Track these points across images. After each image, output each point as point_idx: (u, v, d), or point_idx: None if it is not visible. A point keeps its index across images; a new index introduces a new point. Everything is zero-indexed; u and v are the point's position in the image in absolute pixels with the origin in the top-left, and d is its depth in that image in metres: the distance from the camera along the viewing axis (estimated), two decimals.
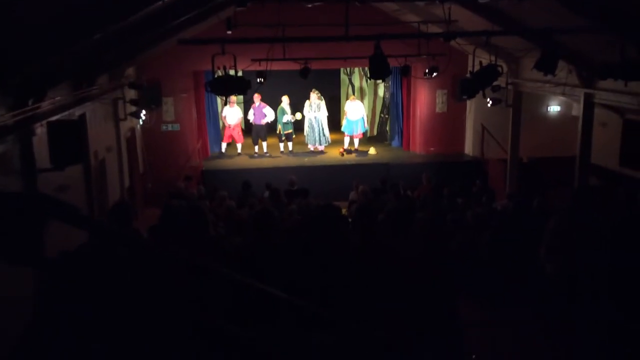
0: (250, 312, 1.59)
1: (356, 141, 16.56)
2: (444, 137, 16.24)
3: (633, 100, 9.71)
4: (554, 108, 15.37)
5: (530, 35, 10.42)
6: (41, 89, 6.83)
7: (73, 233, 1.49)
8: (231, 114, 15.71)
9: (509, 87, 13.26)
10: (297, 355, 1.52)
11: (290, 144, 16.38)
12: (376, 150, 16.57)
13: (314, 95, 16.11)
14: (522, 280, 5.82)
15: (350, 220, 7.83)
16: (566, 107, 14.95)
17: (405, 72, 13.21)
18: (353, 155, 16.22)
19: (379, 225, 4.84)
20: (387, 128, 18.15)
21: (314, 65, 12.35)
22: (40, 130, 7.05)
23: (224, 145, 16.23)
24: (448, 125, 16.22)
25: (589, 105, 11.17)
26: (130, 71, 12.98)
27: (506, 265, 6.13)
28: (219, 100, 16.19)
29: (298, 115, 16.27)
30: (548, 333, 5.34)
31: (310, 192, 11.40)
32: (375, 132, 18.72)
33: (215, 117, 16.98)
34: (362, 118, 16.42)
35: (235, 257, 4.48)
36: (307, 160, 15.62)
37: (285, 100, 16.11)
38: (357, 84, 19.26)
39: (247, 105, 16.68)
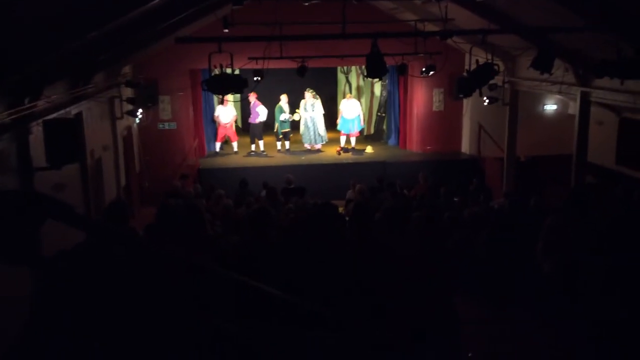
0: (247, 311, 1.59)
1: (353, 140, 16.56)
2: (440, 135, 16.26)
3: (629, 99, 9.74)
4: (551, 106, 15.40)
5: (526, 34, 10.44)
6: (37, 87, 6.82)
7: (71, 232, 1.49)
8: (224, 112, 15.69)
9: (506, 85, 13.28)
10: (293, 354, 1.52)
11: (287, 143, 16.38)
12: (373, 148, 16.58)
13: (308, 95, 16.10)
14: (519, 278, 5.83)
15: (347, 218, 7.83)
16: (563, 106, 14.98)
17: (402, 71, 13.21)
18: (350, 154, 16.22)
19: (376, 224, 4.84)
20: (384, 126, 18.16)
21: (311, 64, 12.35)
22: (37, 129, 7.03)
23: (218, 145, 16.22)
24: (445, 123, 16.24)
25: (585, 103, 11.19)
26: (127, 69, 12.96)
27: (503, 264, 6.14)
28: (215, 98, 16.17)
29: (296, 116, 16.25)
30: (545, 331, 5.35)
31: (308, 190, 11.40)
32: (372, 131, 18.71)
33: (212, 115, 16.97)
34: (359, 116, 16.42)
35: (233, 255, 4.48)
36: (304, 159, 15.63)
37: (283, 99, 16.10)
38: (354, 82, 19.26)
39: (244, 104, 16.66)
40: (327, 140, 16.51)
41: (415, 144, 16.56)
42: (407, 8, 13.17)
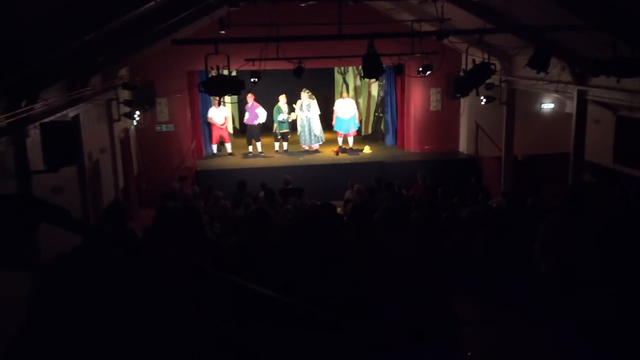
0: (245, 312, 1.59)
1: (350, 139, 16.56)
2: (438, 135, 16.28)
3: (626, 97, 9.75)
4: (548, 105, 15.43)
5: (523, 33, 10.45)
6: (34, 90, 6.81)
7: (70, 234, 1.49)
8: (217, 114, 15.72)
9: (503, 84, 13.30)
10: (291, 355, 1.53)
11: (285, 144, 16.38)
12: (371, 148, 16.59)
13: (304, 95, 16.10)
14: (516, 278, 5.83)
15: (345, 218, 7.84)
16: (559, 104, 15.01)
17: (399, 71, 13.22)
18: (347, 154, 16.22)
19: (374, 224, 4.85)
20: (382, 127, 18.17)
21: (308, 65, 12.35)
22: (34, 131, 7.03)
23: (215, 147, 16.22)
24: (442, 123, 16.26)
25: (582, 102, 11.21)
26: (124, 72, 12.95)
27: (501, 264, 6.14)
28: (212, 100, 16.17)
29: (293, 115, 16.26)
30: (542, 331, 5.36)
31: (306, 191, 11.40)
32: (369, 131, 18.72)
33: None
34: (354, 116, 16.42)
35: (231, 256, 4.48)
36: (302, 160, 15.62)
37: (282, 100, 16.11)
38: (351, 82, 19.26)
39: (240, 105, 16.65)
40: (323, 141, 16.50)
41: (413, 143, 16.58)
42: (404, 8, 13.18)
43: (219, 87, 8.42)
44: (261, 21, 10.67)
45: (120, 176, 12.56)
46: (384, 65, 8.43)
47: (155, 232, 6.57)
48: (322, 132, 16.41)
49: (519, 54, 11.43)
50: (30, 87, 6.65)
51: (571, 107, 11.96)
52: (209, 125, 16.16)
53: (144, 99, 13.11)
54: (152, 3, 6.78)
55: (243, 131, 16.71)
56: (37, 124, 7.09)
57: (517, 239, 6.22)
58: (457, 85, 11.71)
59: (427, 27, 12.23)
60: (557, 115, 15.06)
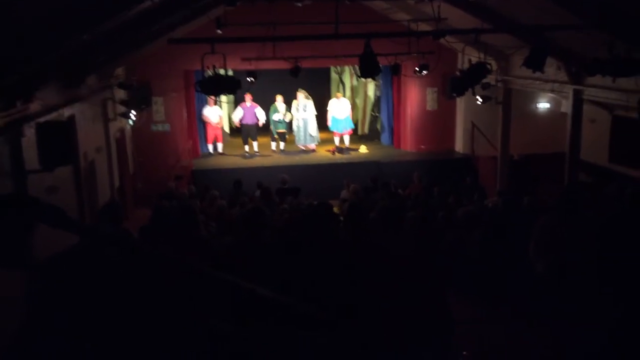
0: (241, 312, 1.59)
1: (346, 139, 16.55)
2: (434, 134, 16.30)
3: (621, 97, 9.78)
4: (544, 105, 15.46)
5: (519, 32, 10.47)
6: (29, 89, 6.79)
7: (66, 234, 1.49)
8: (212, 113, 15.73)
9: (499, 84, 13.32)
10: (287, 354, 1.53)
11: (282, 144, 16.38)
12: (367, 148, 16.59)
13: (301, 95, 16.10)
14: (512, 277, 5.84)
15: (341, 218, 7.84)
16: (555, 104, 15.03)
17: (395, 71, 13.23)
18: (343, 154, 16.21)
19: (370, 224, 4.85)
20: (378, 126, 18.17)
21: (305, 64, 12.35)
22: (29, 131, 7.00)
23: (210, 146, 16.21)
24: (438, 122, 16.28)
25: (578, 101, 11.24)
26: (120, 71, 12.91)
27: (496, 263, 6.15)
28: (207, 99, 16.15)
29: (288, 116, 16.23)
30: (538, 330, 5.36)
31: (302, 190, 11.39)
32: (366, 130, 18.73)
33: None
34: (348, 116, 16.42)
35: (226, 256, 4.48)
36: (298, 159, 15.62)
37: (279, 99, 16.11)
38: (348, 82, 19.26)
39: (237, 105, 16.61)
40: (319, 141, 16.50)
41: (409, 143, 16.60)
42: (400, 8, 13.19)
43: (216, 87, 8.42)
44: (258, 20, 10.66)
45: (115, 176, 12.54)
46: (380, 65, 8.45)
47: (151, 231, 6.56)
48: (318, 132, 16.41)
49: (515, 54, 11.47)
50: (25, 87, 6.63)
51: (567, 106, 11.99)
52: (205, 124, 16.14)
53: (140, 99, 13.06)
54: (149, 3, 6.77)
55: (239, 130, 16.69)
56: (33, 123, 7.06)
57: (513, 238, 6.23)
58: (453, 85, 11.72)
59: (423, 26, 12.24)
60: (553, 114, 15.09)
